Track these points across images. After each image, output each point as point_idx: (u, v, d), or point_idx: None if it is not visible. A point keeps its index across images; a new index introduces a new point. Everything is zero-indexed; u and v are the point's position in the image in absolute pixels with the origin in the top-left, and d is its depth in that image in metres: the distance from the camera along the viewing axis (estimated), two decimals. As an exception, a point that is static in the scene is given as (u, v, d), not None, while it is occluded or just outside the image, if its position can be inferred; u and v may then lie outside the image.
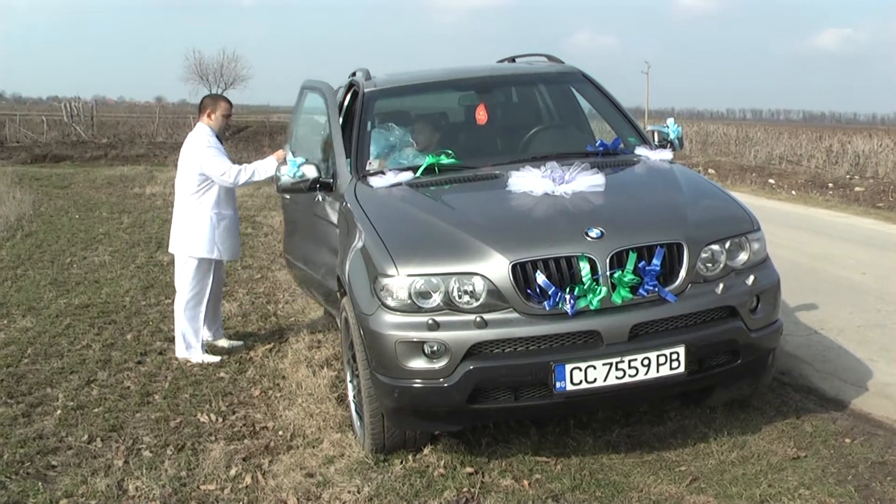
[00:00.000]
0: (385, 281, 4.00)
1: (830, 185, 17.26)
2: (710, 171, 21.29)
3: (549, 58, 6.30)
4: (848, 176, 18.92)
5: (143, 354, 6.46)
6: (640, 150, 5.26)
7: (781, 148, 25.83)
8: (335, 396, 5.33)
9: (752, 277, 4.17)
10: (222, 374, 5.98)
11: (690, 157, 25.05)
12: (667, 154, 5.20)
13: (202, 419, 5.16)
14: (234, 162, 6.27)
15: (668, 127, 5.51)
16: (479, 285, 3.91)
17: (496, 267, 3.89)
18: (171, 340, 6.78)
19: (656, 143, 5.43)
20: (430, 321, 3.88)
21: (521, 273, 3.89)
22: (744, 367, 4.25)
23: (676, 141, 5.47)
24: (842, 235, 10.92)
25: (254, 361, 6.27)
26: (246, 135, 37.47)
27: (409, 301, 3.95)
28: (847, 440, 4.42)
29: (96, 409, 5.34)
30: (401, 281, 3.97)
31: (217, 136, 6.36)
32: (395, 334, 3.94)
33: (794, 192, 16.65)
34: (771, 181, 18.60)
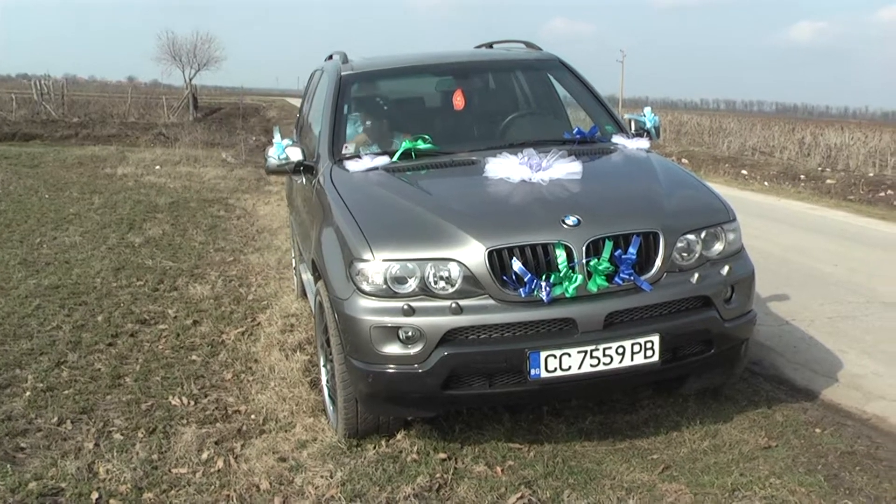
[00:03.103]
0: (360, 265, 3.98)
1: (802, 176, 17.36)
2: (684, 160, 21.36)
3: (528, 44, 6.28)
4: (820, 168, 19.06)
5: (114, 336, 6.39)
6: (617, 139, 5.25)
7: (754, 139, 25.98)
8: (308, 381, 5.31)
9: (727, 268, 4.19)
10: (194, 357, 5.94)
11: (664, 147, 25.11)
12: (643, 143, 5.20)
13: (174, 402, 5.12)
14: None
15: (644, 116, 5.52)
16: (455, 271, 3.89)
17: (472, 253, 3.88)
18: (143, 322, 6.75)
19: (633, 131, 5.43)
20: (406, 306, 3.86)
21: (498, 260, 3.87)
22: (717, 357, 4.26)
23: (653, 130, 5.48)
24: (814, 227, 11.01)
25: (226, 345, 6.22)
26: (219, 116, 37.25)
27: (384, 286, 3.93)
28: (817, 430, 4.46)
29: (66, 391, 5.28)
30: (376, 266, 3.94)
31: None
32: (369, 319, 3.92)
33: (766, 184, 16.75)
34: (744, 172, 18.69)
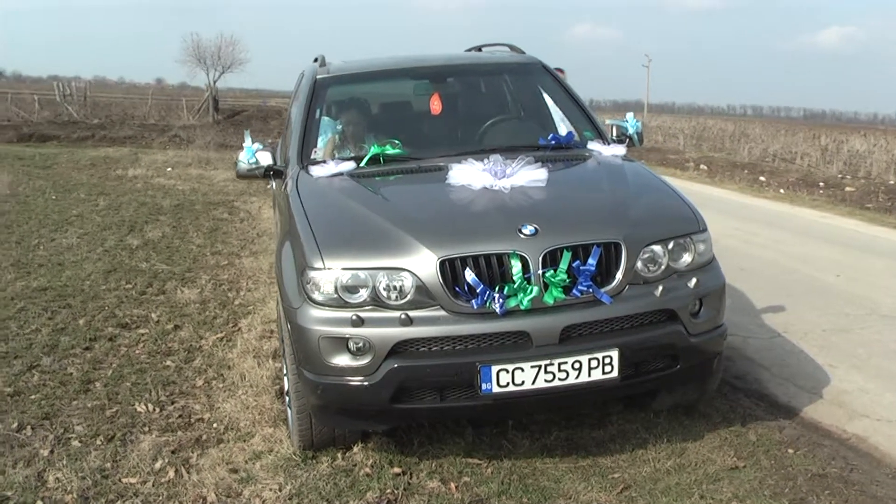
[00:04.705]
0: (312, 274, 3.86)
1: (822, 184, 17.05)
2: (703, 167, 21.09)
3: (512, 48, 6.15)
4: (840, 176, 18.74)
5: (92, 340, 6.31)
6: (593, 145, 5.09)
7: (777, 145, 25.63)
8: (275, 389, 5.19)
9: (694, 280, 4.01)
10: (169, 363, 5.84)
11: (683, 153, 24.91)
12: (619, 149, 5.03)
13: (139, 409, 5.03)
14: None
15: (626, 121, 5.38)
16: (407, 281, 3.76)
17: (424, 263, 3.74)
18: (124, 326, 6.67)
19: (614, 137, 5.28)
20: (355, 317, 3.73)
21: (450, 270, 3.74)
22: (685, 372, 4.08)
23: (635, 136, 5.33)
24: (822, 236, 10.75)
25: (203, 350, 6.13)
26: (240, 119, 37.22)
27: (335, 295, 3.81)
28: (790, 451, 4.28)
29: (33, 396, 5.21)
30: (327, 275, 3.82)
31: None
32: (319, 329, 3.80)
33: (782, 191, 16.46)
34: (762, 178, 18.40)
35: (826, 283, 7.94)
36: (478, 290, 3.70)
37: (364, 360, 3.74)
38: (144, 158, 19.78)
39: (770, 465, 4.12)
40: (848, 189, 16.20)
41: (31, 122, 29.29)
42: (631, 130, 5.32)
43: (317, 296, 3.84)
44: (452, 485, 3.98)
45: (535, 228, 3.79)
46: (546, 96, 5.68)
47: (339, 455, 4.27)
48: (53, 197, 13.53)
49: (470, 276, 3.71)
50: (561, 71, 6.36)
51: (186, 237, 10.56)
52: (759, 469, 4.08)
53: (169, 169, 17.93)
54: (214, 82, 47.29)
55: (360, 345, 3.75)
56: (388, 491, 3.92)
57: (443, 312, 3.74)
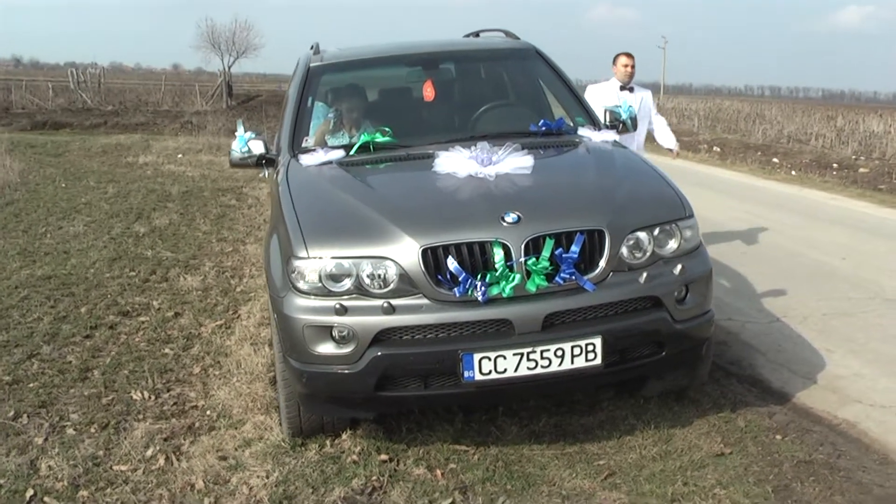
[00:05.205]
0: (296, 263, 3.87)
1: (835, 165, 16.92)
2: (716, 148, 20.98)
3: (507, 33, 6.12)
4: (854, 157, 18.57)
5: (92, 328, 6.35)
6: (584, 131, 5.08)
7: (792, 126, 25.42)
8: (270, 376, 5.21)
9: (679, 266, 3.98)
10: (167, 350, 5.88)
11: (697, 135, 24.76)
12: (610, 135, 5.02)
13: (135, 397, 5.07)
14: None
15: (619, 106, 5.35)
16: (390, 270, 3.76)
17: (407, 251, 3.75)
18: (125, 314, 6.71)
19: (607, 123, 5.25)
20: (338, 305, 3.75)
21: (433, 258, 3.74)
22: (671, 359, 4.07)
23: (629, 121, 5.31)
24: (830, 218, 10.67)
25: (202, 337, 6.17)
26: (255, 104, 37.28)
27: (319, 284, 3.82)
28: (778, 437, 4.26)
29: (31, 385, 5.26)
30: (312, 263, 3.83)
31: (621, 84, 7.74)
32: (303, 318, 3.81)
33: (793, 173, 16.34)
34: (775, 160, 18.27)
35: (831, 266, 7.89)
36: (460, 279, 3.70)
37: (348, 349, 3.76)
38: (155, 145, 19.87)
39: (757, 452, 4.11)
40: (861, 170, 16.07)
41: (46, 109, 29.48)
42: (624, 116, 5.30)
43: (301, 284, 3.86)
44: (438, 472, 4.00)
45: (518, 216, 3.79)
46: (541, 82, 5.66)
47: (328, 442, 4.30)
48: (63, 185, 13.61)
49: (452, 264, 3.71)
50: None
51: (193, 224, 10.60)
52: (745, 455, 4.07)
53: (179, 155, 18.00)
54: (228, 68, 47.48)
55: (344, 333, 3.76)
56: (374, 478, 3.94)
57: (425, 301, 3.75)
